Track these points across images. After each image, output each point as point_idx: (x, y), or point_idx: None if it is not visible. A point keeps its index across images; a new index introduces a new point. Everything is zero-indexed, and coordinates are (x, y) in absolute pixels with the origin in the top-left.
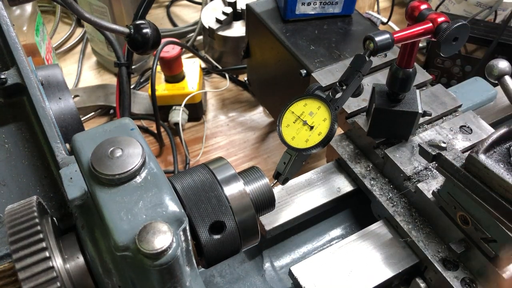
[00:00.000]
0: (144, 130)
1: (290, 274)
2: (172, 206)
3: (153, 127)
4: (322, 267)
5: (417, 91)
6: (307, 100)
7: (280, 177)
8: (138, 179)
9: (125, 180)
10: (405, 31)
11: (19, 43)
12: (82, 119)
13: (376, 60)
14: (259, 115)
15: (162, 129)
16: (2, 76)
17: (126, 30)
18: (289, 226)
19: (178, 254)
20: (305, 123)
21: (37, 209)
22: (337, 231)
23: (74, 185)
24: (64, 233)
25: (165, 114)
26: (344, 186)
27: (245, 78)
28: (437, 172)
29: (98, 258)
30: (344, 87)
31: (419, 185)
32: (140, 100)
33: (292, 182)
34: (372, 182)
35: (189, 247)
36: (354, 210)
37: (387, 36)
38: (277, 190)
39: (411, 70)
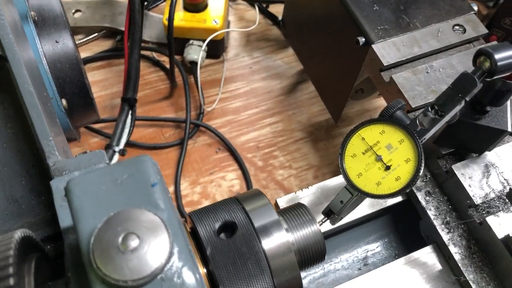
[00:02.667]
0: (155, 63)
1: None
2: None
3: (164, 60)
4: None
5: (509, 101)
6: (385, 127)
7: (333, 216)
8: (158, 281)
9: (141, 285)
10: None
11: None
12: (84, 40)
13: (451, 36)
14: (287, 59)
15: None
16: None
17: None
18: None
19: None
20: (379, 158)
21: (16, 252)
22: (372, 241)
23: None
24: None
25: (180, 47)
26: None
27: (280, 18)
28: None
29: None
30: (438, 114)
31: (488, 218)
32: (152, 24)
33: (331, 182)
34: (427, 198)
35: None
36: (394, 215)
37: None
38: (312, 190)
39: None
